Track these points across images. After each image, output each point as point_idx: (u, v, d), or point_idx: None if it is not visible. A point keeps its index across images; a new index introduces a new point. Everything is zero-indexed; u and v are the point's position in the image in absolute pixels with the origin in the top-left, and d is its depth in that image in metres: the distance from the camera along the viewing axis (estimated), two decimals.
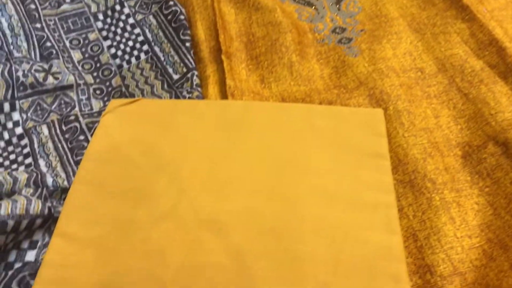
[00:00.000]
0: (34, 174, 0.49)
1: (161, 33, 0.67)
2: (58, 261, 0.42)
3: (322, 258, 0.42)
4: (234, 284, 0.41)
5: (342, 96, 0.59)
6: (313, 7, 0.73)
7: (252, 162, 0.50)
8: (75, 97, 0.61)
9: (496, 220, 0.46)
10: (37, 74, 0.60)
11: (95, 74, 0.65)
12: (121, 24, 0.69)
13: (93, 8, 0.71)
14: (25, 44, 0.64)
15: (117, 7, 0.71)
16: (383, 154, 0.50)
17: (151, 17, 0.69)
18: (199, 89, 0.61)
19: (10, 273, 0.43)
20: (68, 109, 0.60)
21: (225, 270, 0.42)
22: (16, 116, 0.58)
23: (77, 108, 0.60)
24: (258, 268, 0.42)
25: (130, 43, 0.67)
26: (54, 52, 0.64)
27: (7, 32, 0.64)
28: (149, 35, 0.67)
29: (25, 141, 0.56)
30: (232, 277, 0.41)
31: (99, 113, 0.60)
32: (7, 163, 0.54)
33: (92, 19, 0.70)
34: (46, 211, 0.45)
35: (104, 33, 0.69)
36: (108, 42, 0.68)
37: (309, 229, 0.44)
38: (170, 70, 0.64)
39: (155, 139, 0.52)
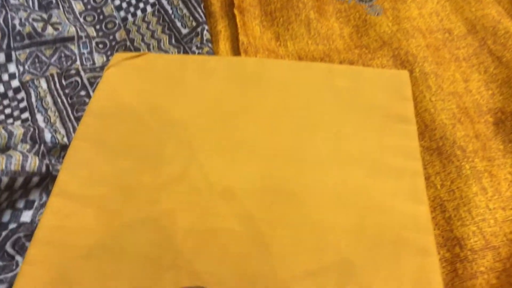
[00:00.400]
0: (31, 129, 0.45)
1: None
2: (56, 223, 0.38)
3: (343, 227, 0.39)
4: (249, 251, 0.38)
5: (364, 57, 0.55)
6: None
7: (268, 123, 0.46)
8: (76, 50, 0.57)
9: None
10: (35, 24, 0.55)
11: (97, 26, 0.60)
12: None
13: None
14: None
15: None
16: (409, 118, 0.46)
17: None
18: (209, 44, 0.56)
19: (4, 233, 0.40)
20: (69, 63, 0.55)
21: (238, 237, 0.38)
22: (12, 68, 0.54)
23: (78, 62, 0.56)
24: (274, 236, 0.38)
25: None
26: (54, 2, 0.59)
27: None
28: None
29: (21, 94, 0.52)
30: (247, 244, 0.38)
31: (102, 68, 0.55)
32: (2, 117, 0.50)
33: None
34: (44, 168, 0.42)
35: None
36: None
37: (330, 195, 0.41)
38: (179, 24, 0.59)
39: (162, 96, 0.48)
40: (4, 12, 0.55)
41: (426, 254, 0.37)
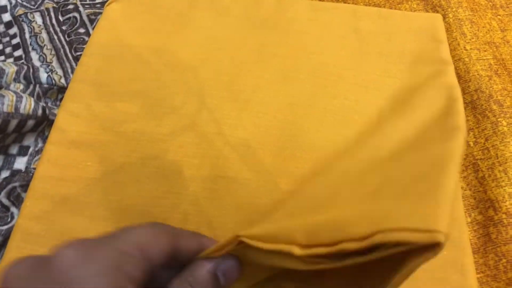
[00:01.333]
0: (25, 68, 0.41)
1: None
2: (54, 174, 0.35)
3: (370, 186, 0.35)
4: (263, 202, 0.34)
5: (391, 1, 0.50)
6: None
7: (285, 69, 0.41)
8: None
9: None
10: None
11: None
12: None
13: None
14: None
15: None
16: (445, 59, 0.42)
17: None
18: None
19: None
20: None
21: (252, 187, 0.35)
22: (2, 0, 0.48)
23: None
24: (290, 191, 0.35)
25: None
26: None
27: None
28: None
29: (14, 30, 0.47)
30: (260, 195, 0.34)
31: (103, 4, 0.50)
32: None
33: None
34: (40, 111, 0.38)
35: None
36: None
37: (354, 151, 0.37)
38: None
39: (169, 36, 0.43)
40: None
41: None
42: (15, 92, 0.37)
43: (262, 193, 0.35)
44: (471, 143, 0.41)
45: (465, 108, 0.42)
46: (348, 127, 0.38)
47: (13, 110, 0.35)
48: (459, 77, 0.44)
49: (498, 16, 0.48)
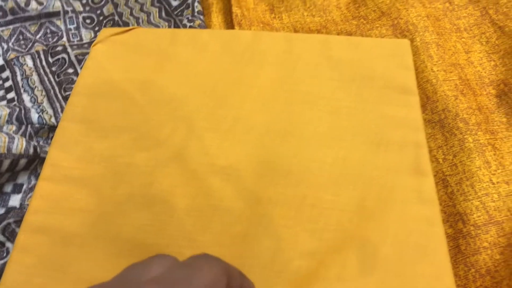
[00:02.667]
0: (17, 109, 0.43)
1: None
2: (46, 208, 0.37)
3: (345, 206, 0.37)
4: (248, 231, 0.36)
5: (362, 27, 0.53)
6: None
7: (264, 98, 0.44)
8: (62, 26, 0.54)
9: None
10: None
11: (84, 1, 0.58)
12: None
13: None
14: None
15: None
16: (411, 89, 0.44)
17: None
18: (201, 17, 0.54)
19: None
20: (55, 39, 0.53)
21: (237, 214, 0.37)
22: None
23: (65, 38, 0.53)
24: (275, 214, 0.37)
25: None
26: None
27: None
28: None
29: (6, 73, 0.49)
30: (246, 221, 0.37)
31: (90, 44, 0.53)
32: None
33: None
34: (31, 150, 0.40)
35: None
36: None
37: (330, 174, 0.39)
38: None
39: (153, 72, 0.46)
40: None
41: (431, 224, 0.36)
42: (7, 134, 0.39)
43: (245, 218, 0.37)
44: (441, 160, 0.43)
45: (433, 127, 0.45)
46: (321, 151, 0.40)
47: (5, 151, 0.38)
48: (427, 98, 0.46)
49: (463, 39, 0.51)
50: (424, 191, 0.38)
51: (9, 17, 0.52)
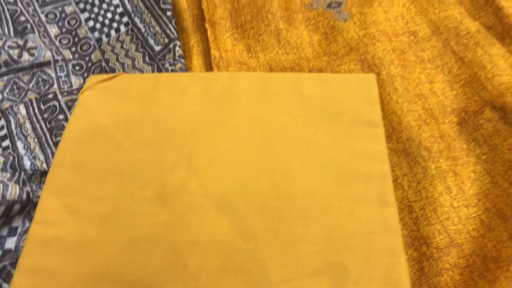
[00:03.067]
0: (11, 158, 0.47)
1: (141, 3, 0.63)
2: (38, 250, 0.40)
3: (314, 238, 0.40)
4: (222, 263, 0.39)
5: (332, 63, 0.57)
6: None
7: (240, 137, 0.47)
8: (53, 74, 0.58)
9: (494, 189, 0.44)
10: (11, 51, 0.57)
11: (73, 49, 0.62)
12: None
13: None
14: None
15: None
16: (376, 122, 0.47)
17: None
18: (182, 60, 0.58)
19: None
20: (46, 87, 0.57)
21: (212, 250, 0.40)
22: None
23: (55, 86, 0.57)
24: (249, 249, 0.40)
25: (109, 15, 0.64)
26: (29, 26, 0.61)
27: None
28: (128, 6, 0.64)
29: (1, 122, 0.53)
30: (220, 256, 0.40)
31: (79, 90, 0.57)
32: None
33: None
34: (25, 196, 0.43)
35: (82, 5, 0.65)
36: (86, 15, 0.65)
37: (300, 207, 0.42)
38: (152, 41, 0.61)
39: (137, 116, 0.49)
40: None
41: (394, 254, 0.39)
42: (2, 182, 0.42)
43: (220, 253, 0.40)
44: (406, 187, 0.46)
45: (399, 156, 0.48)
46: (294, 187, 0.43)
47: (0, 198, 0.41)
48: (392, 128, 0.50)
49: (426, 70, 0.54)
50: (388, 222, 0.41)
51: (3, 69, 0.56)
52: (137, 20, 0.63)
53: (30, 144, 0.50)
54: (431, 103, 0.51)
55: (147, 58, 0.59)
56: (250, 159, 0.46)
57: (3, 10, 0.61)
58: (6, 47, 0.57)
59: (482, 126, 0.48)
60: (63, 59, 0.60)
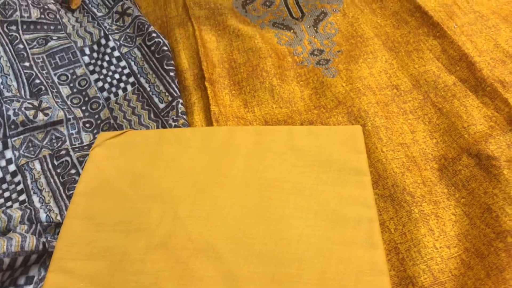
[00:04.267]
0: (28, 211, 0.51)
1: (146, 65, 0.69)
2: None
3: (308, 280, 0.44)
4: None
5: (322, 116, 0.62)
6: (292, 31, 0.75)
7: (238, 186, 0.52)
8: (65, 132, 0.63)
9: (472, 230, 0.48)
10: (27, 112, 0.62)
11: (83, 108, 0.67)
12: (107, 57, 0.72)
13: (79, 43, 0.74)
14: (14, 83, 0.66)
15: (103, 41, 0.73)
16: (363, 170, 0.52)
17: (135, 49, 0.71)
18: (184, 116, 0.63)
19: None
20: (59, 144, 0.62)
21: None
22: (8, 154, 0.60)
23: (67, 143, 0.62)
24: None
25: (117, 75, 0.70)
26: (43, 88, 0.66)
27: None
28: (134, 67, 0.70)
29: (18, 177, 0.58)
30: None
31: (89, 146, 0.62)
32: (1, 201, 0.55)
33: (78, 54, 0.72)
34: (41, 246, 0.47)
35: (91, 67, 0.71)
36: (95, 76, 0.70)
37: (295, 251, 0.46)
38: (156, 99, 0.66)
39: (143, 169, 0.54)
40: (0, 105, 0.61)
41: None
42: (20, 234, 0.46)
43: None
44: (392, 230, 0.50)
45: (385, 201, 0.52)
46: (289, 232, 0.47)
47: (19, 249, 0.45)
48: (378, 175, 0.54)
49: (408, 120, 0.59)
50: (376, 263, 0.44)
51: (20, 129, 0.61)
52: (142, 80, 0.68)
53: (45, 197, 0.54)
54: (414, 151, 0.56)
55: (152, 115, 0.64)
56: (248, 207, 0.50)
57: (20, 74, 0.67)
58: (23, 109, 0.62)
59: (460, 172, 0.52)
60: (74, 118, 0.65)
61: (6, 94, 0.64)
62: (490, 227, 0.46)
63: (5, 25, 0.71)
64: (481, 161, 0.51)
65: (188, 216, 0.49)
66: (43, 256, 0.48)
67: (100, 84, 0.70)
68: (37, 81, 0.67)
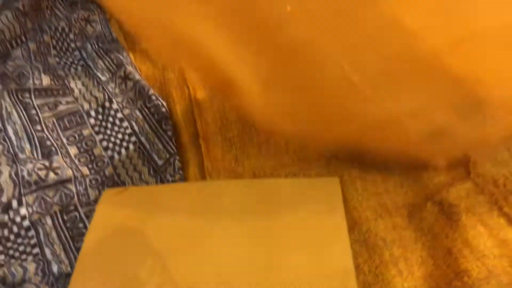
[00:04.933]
0: (41, 263, 0.57)
1: (146, 125, 0.77)
2: None
3: None
4: None
5: (304, 168, 0.69)
6: None
7: (228, 238, 0.58)
8: (73, 189, 0.70)
9: (436, 270, 0.53)
10: (40, 172, 0.69)
11: (90, 166, 0.74)
12: (111, 119, 0.79)
13: (86, 106, 0.82)
14: (28, 146, 0.74)
15: (107, 104, 0.81)
16: (340, 217, 0.58)
17: (137, 111, 0.79)
18: (180, 172, 0.70)
19: None
20: (68, 200, 0.69)
21: None
22: (23, 210, 0.66)
23: (76, 199, 0.69)
24: None
25: (120, 136, 0.77)
26: (54, 149, 0.74)
27: (13, 137, 0.74)
28: (136, 128, 0.77)
29: (32, 232, 0.64)
30: None
31: (95, 201, 0.68)
32: (17, 254, 0.62)
33: (85, 117, 0.80)
34: None
35: (97, 128, 0.79)
36: (100, 136, 0.78)
37: None
38: (155, 157, 0.73)
39: (142, 224, 0.60)
40: (15, 166, 0.69)
41: None
42: (35, 284, 0.53)
43: None
44: (366, 272, 0.56)
45: (360, 246, 0.58)
46: (274, 278, 0.53)
47: None
48: (354, 222, 0.60)
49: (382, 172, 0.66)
50: None
51: (33, 187, 0.68)
52: (143, 139, 0.76)
53: (56, 250, 0.61)
54: (386, 200, 0.62)
55: (151, 171, 0.72)
56: (236, 259, 0.55)
57: (33, 137, 0.75)
58: (36, 169, 0.69)
59: (426, 218, 0.58)
60: (82, 175, 0.72)
61: (21, 156, 0.71)
62: (451, 268, 0.52)
63: (19, 93, 0.80)
64: (444, 208, 0.58)
65: (181, 268, 0.55)
66: None
67: (105, 143, 0.77)
68: (48, 142, 0.75)
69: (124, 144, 0.76)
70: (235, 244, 0.57)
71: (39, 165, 0.70)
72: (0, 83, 0.78)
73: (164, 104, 0.78)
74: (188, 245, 0.57)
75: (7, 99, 0.77)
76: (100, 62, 0.88)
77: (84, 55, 0.91)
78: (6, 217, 0.65)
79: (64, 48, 0.93)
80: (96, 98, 0.83)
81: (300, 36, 0.43)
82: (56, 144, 0.75)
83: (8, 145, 0.73)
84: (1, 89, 0.77)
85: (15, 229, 0.65)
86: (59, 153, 0.74)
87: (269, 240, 0.57)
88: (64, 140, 0.77)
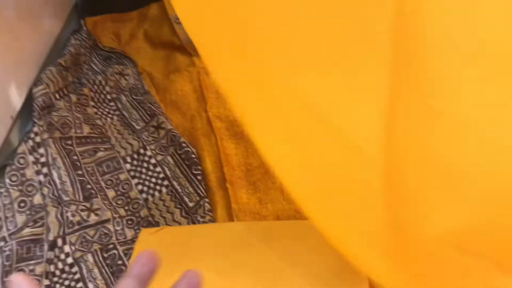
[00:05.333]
0: None
1: (177, 170, 0.84)
2: None
3: None
4: None
5: None
6: None
7: (251, 278, 0.63)
8: (112, 229, 0.76)
9: None
10: (82, 213, 0.76)
11: (126, 208, 0.81)
12: (145, 164, 0.87)
13: (122, 152, 0.90)
14: (71, 189, 0.81)
15: (141, 151, 0.89)
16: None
17: (169, 157, 0.86)
18: (210, 213, 0.76)
19: None
20: (107, 239, 0.75)
21: None
22: (67, 248, 0.73)
23: (114, 238, 0.75)
24: None
25: (153, 179, 0.84)
26: (94, 192, 0.81)
27: (57, 181, 0.81)
28: (168, 172, 0.84)
29: (75, 268, 0.70)
30: None
31: (132, 240, 0.75)
32: None
33: (122, 162, 0.88)
34: None
35: (132, 173, 0.86)
36: (136, 180, 0.85)
37: None
38: (186, 199, 0.80)
39: (175, 263, 0.65)
40: (60, 208, 0.76)
41: None
42: None
43: None
44: None
45: None
46: None
47: None
48: None
49: None
50: None
51: (76, 227, 0.75)
52: (175, 183, 0.83)
53: (99, 285, 0.67)
54: None
55: (183, 213, 0.78)
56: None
57: (75, 181, 0.82)
58: (79, 210, 0.76)
59: None
60: (119, 216, 0.79)
61: (65, 198, 0.79)
62: None
63: (63, 140, 0.88)
64: None
65: None
66: None
67: (140, 187, 0.84)
68: (88, 186, 0.82)
69: (158, 187, 0.83)
70: (258, 278, 0.62)
71: (81, 207, 0.77)
72: (46, 132, 0.86)
73: (194, 150, 0.86)
74: (213, 284, 0.63)
75: (52, 146, 0.85)
76: (134, 112, 0.97)
77: (119, 105, 1.00)
78: (52, 254, 0.72)
79: (101, 100, 1.02)
80: (131, 145, 0.91)
81: None
82: (96, 187, 0.83)
83: (53, 188, 0.80)
84: (47, 138, 0.86)
85: (60, 265, 0.71)
86: (98, 196, 0.81)
87: (290, 276, 0.62)
88: (103, 184, 0.84)
